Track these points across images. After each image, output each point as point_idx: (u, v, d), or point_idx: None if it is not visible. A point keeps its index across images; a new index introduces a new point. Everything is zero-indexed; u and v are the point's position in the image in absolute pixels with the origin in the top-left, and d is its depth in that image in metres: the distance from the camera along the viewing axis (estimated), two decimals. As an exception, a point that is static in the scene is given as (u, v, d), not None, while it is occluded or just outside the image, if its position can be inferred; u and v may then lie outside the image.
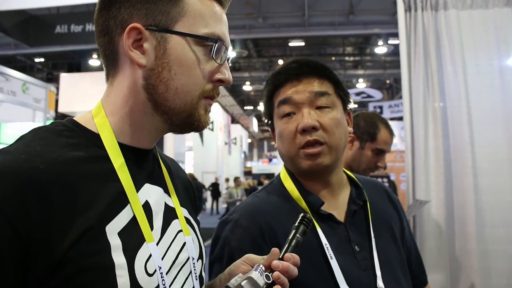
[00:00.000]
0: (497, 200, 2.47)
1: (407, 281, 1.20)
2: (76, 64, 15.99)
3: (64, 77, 12.79)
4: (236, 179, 13.58)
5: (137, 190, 0.80)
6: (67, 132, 0.79)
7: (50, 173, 0.70)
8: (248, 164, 38.31)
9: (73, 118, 0.84)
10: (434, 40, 2.66)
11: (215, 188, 19.15)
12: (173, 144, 16.87)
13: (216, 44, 0.83)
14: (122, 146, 0.82)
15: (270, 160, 37.40)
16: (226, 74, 0.86)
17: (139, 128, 0.84)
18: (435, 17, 2.67)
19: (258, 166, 35.53)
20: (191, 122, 0.85)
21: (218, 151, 23.10)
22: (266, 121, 1.29)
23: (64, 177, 0.72)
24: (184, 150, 19.97)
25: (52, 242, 0.67)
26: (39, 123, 7.85)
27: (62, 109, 11.57)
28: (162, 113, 0.83)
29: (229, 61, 0.89)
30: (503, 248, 2.43)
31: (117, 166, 0.79)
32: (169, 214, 0.87)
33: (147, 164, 0.88)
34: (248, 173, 32.97)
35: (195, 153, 22.58)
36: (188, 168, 21.77)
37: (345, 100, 1.23)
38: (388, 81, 24.07)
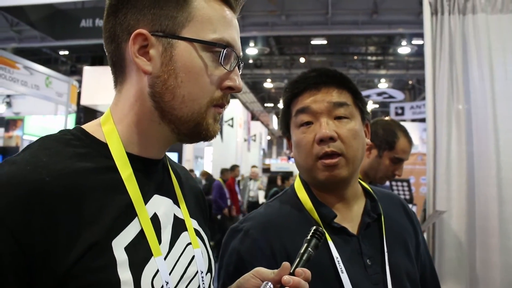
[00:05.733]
0: (522, 211, 2.38)
1: None
2: (99, 58, 16.14)
3: (87, 70, 12.91)
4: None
5: (146, 202, 0.78)
6: (74, 141, 0.77)
7: (56, 185, 0.68)
8: (267, 161, 38.27)
9: (81, 126, 0.82)
10: (460, 44, 2.57)
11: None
12: (193, 140, 16.95)
13: (225, 50, 0.79)
14: (131, 156, 0.79)
15: (289, 158, 37.30)
16: (236, 81, 0.82)
17: (147, 137, 0.82)
18: (462, 21, 2.58)
19: (277, 163, 35.43)
20: (199, 131, 0.82)
21: (237, 147, 23.07)
22: (281, 130, 1.26)
23: (70, 189, 0.69)
24: (204, 145, 20.04)
25: (56, 256, 0.65)
26: (61, 116, 7.97)
27: (84, 101, 11.69)
28: (169, 122, 0.80)
29: (241, 67, 0.85)
30: (527, 261, 2.35)
31: (125, 177, 0.76)
32: (178, 227, 0.84)
33: (156, 174, 0.85)
34: (266, 170, 32.93)
35: (214, 149, 22.61)
36: (207, 164, 21.84)
37: (363, 111, 1.20)
38: (410, 82, 23.68)
